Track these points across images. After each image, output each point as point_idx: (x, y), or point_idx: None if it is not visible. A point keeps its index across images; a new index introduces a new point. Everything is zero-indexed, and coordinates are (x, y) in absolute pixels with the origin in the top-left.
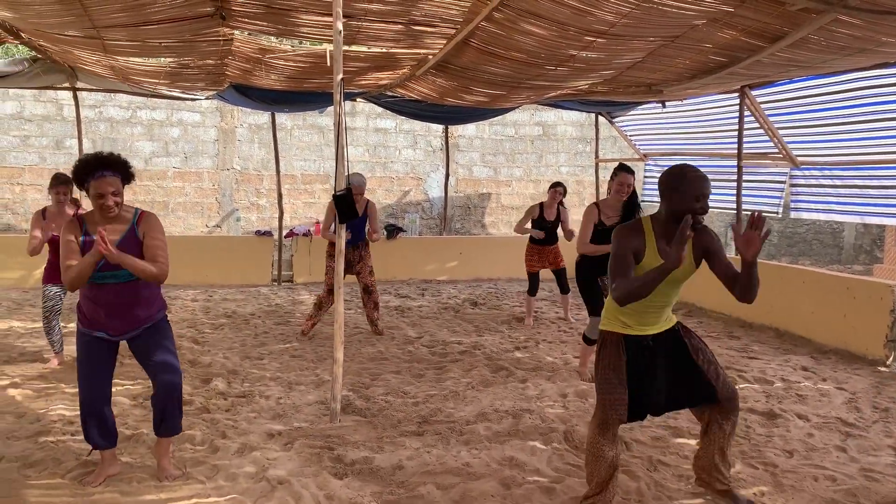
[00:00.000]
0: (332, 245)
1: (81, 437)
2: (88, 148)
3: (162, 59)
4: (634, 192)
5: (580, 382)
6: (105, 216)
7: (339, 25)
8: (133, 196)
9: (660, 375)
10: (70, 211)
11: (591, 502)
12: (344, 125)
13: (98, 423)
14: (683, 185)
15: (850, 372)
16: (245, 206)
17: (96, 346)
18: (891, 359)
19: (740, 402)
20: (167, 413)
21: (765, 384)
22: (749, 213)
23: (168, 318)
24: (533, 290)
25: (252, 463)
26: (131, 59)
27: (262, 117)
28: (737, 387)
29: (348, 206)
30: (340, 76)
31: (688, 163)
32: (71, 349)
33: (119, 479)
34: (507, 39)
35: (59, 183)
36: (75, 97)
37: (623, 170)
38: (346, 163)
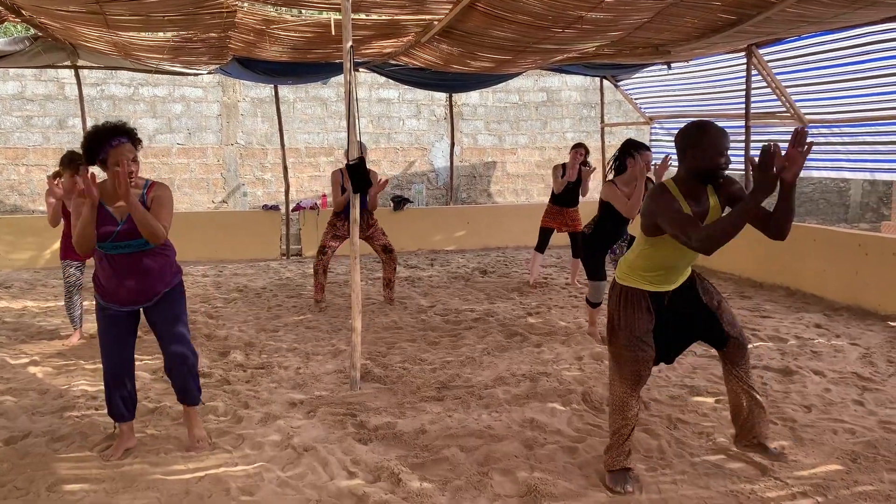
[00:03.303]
0: (334, 215)
1: (106, 411)
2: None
3: (165, 33)
4: None
5: (595, 345)
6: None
7: None
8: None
9: (673, 325)
10: None
11: (611, 454)
12: (355, 94)
13: (121, 394)
14: (704, 141)
15: (864, 328)
16: (250, 180)
17: (115, 318)
18: None
19: (756, 360)
20: (185, 383)
21: (779, 342)
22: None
23: (183, 284)
24: (541, 246)
25: (277, 431)
26: (134, 33)
27: (265, 91)
28: (751, 345)
29: (362, 175)
30: (350, 43)
31: (706, 119)
32: (89, 325)
33: (146, 451)
34: (514, 2)
35: (73, 162)
36: (77, 75)
37: (645, 148)
38: (357, 132)
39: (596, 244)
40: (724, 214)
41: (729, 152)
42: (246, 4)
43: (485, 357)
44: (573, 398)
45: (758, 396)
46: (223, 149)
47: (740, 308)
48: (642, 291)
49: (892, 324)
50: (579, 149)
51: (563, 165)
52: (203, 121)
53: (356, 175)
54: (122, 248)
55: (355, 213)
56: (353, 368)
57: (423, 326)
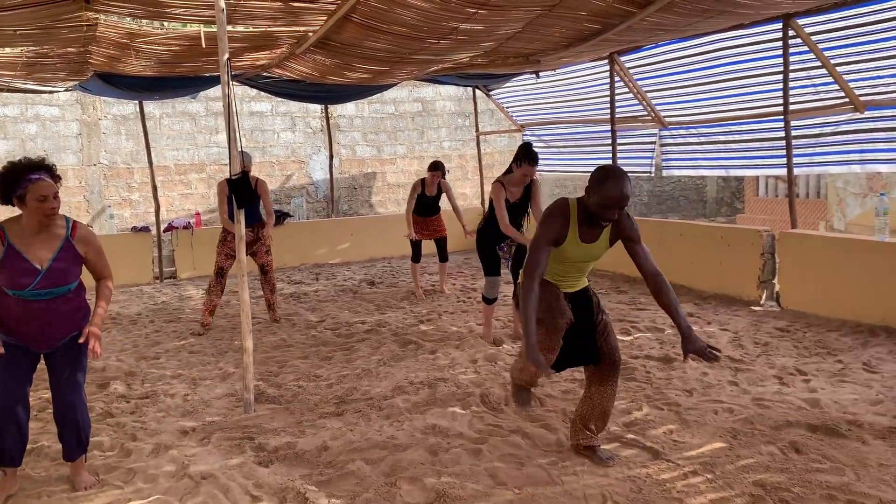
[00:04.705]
0: (225, 231)
1: None
2: None
3: (17, 48)
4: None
5: (488, 347)
6: (47, 220)
7: (222, 3)
8: None
9: (568, 332)
10: None
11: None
12: (234, 108)
13: (16, 432)
14: (602, 189)
15: (731, 314)
16: (117, 202)
17: (15, 352)
18: (763, 298)
19: (637, 350)
20: (65, 435)
21: (656, 332)
22: None
23: None
24: (416, 256)
25: (170, 462)
26: None
27: (128, 107)
28: (631, 336)
29: (245, 190)
30: (227, 56)
31: (617, 165)
32: None
33: (27, 496)
34: (390, 13)
35: None
36: None
37: (528, 160)
38: (239, 145)
39: (486, 239)
40: (528, 320)
41: (615, 211)
42: (102, 17)
43: (381, 368)
44: (472, 401)
45: (607, 417)
46: (85, 170)
47: (618, 303)
48: (556, 285)
49: (755, 308)
50: (436, 172)
51: (423, 181)
52: (61, 141)
53: (239, 190)
54: (40, 296)
55: (241, 229)
56: (245, 390)
57: (314, 342)
